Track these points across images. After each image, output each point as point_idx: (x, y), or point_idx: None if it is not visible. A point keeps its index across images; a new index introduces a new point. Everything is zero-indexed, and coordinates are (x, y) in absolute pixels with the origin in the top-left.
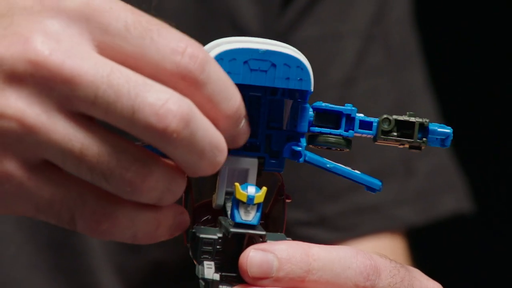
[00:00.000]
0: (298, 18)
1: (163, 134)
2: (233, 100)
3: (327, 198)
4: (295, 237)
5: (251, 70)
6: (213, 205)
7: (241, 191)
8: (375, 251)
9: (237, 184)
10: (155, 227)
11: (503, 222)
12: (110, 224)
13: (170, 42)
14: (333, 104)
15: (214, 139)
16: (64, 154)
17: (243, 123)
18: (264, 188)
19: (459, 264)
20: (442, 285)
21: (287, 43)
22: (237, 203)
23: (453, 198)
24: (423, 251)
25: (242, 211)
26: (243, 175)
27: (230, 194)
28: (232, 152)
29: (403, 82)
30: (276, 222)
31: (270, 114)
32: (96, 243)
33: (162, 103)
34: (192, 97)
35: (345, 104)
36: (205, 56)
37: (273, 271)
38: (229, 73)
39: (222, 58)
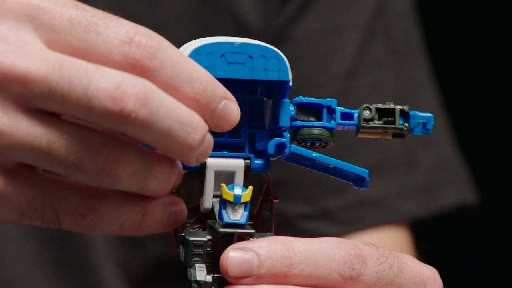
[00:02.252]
0: (299, 12)
1: (121, 116)
2: (198, 82)
3: (329, 191)
4: (298, 231)
5: (229, 63)
6: (201, 209)
7: (228, 191)
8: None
9: (223, 184)
10: (141, 217)
11: (507, 215)
12: (95, 217)
13: (117, 34)
14: (335, 97)
15: (182, 116)
16: (34, 153)
17: (223, 104)
18: (251, 187)
19: (463, 256)
20: (447, 277)
21: (288, 38)
22: (224, 204)
23: (456, 190)
24: (428, 244)
25: (229, 211)
26: (230, 178)
27: (218, 197)
28: (216, 154)
29: (405, 76)
30: (264, 222)
31: (252, 114)
32: (99, 239)
33: (115, 86)
34: (152, 80)
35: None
36: (155, 43)
37: (254, 269)
38: (207, 67)
39: (199, 53)
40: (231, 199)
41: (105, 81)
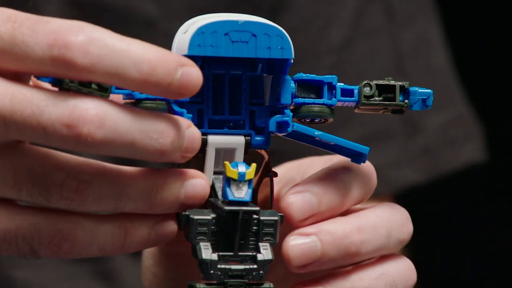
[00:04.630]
0: None
1: (79, 141)
2: (145, 63)
3: None
4: None
5: (233, 41)
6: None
7: (232, 168)
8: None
9: (226, 162)
10: (122, 238)
11: None
12: (71, 245)
13: (44, 37)
14: (332, 67)
15: (145, 126)
16: (1, 187)
17: (179, 73)
18: (254, 164)
19: (471, 216)
20: (456, 239)
21: (285, 7)
22: (228, 181)
23: (469, 149)
24: (436, 207)
25: (234, 189)
26: (230, 155)
27: (218, 175)
28: (217, 131)
29: (404, 41)
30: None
31: (252, 91)
32: None
33: (68, 112)
34: (93, 79)
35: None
36: (85, 37)
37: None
38: (211, 46)
39: (203, 32)
40: (235, 177)
41: (56, 109)
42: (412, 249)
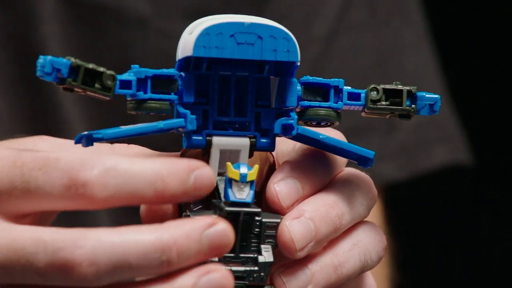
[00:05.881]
0: None
1: (76, 280)
2: (159, 181)
3: None
4: None
5: (238, 43)
6: None
7: (234, 169)
8: None
9: (228, 163)
10: None
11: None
12: None
13: (59, 180)
14: (315, 59)
15: (140, 250)
16: None
17: (192, 179)
18: (256, 166)
19: (456, 216)
20: (436, 240)
21: None
22: (230, 182)
23: (446, 149)
24: (418, 204)
25: (235, 190)
26: (235, 156)
27: (222, 176)
28: (222, 132)
29: (388, 37)
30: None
31: (258, 92)
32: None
33: (58, 258)
34: (112, 206)
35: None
36: (99, 171)
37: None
38: (216, 48)
39: (209, 33)
40: (237, 178)
41: (47, 256)
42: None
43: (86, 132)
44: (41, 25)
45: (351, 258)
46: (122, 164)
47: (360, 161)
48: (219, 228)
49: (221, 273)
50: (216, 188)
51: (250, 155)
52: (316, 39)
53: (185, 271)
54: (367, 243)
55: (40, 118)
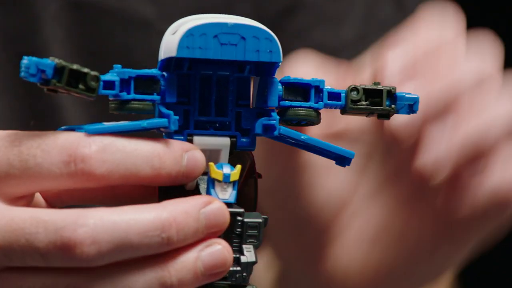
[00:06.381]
0: None
1: (77, 260)
2: (156, 159)
3: None
4: None
5: (221, 44)
6: (186, 186)
7: (217, 170)
8: None
9: (211, 163)
10: None
11: None
12: None
13: (58, 156)
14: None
15: (142, 229)
16: None
17: (185, 160)
18: (239, 166)
19: None
20: None
21: (295, 6)
22: (212, 183)
23: None
24: None
25: (218, 190)
26: (215, 155)
27: (203, 175)
28: (203, 132)
29: None
30: (247, 200)
31: (239, 92)
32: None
33: (59, 237)
34: (110, 184)
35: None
36: (99, 146)
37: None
38: (200, 48)
39: (192, 34)
40: (220, 178)
41: (48, 235)
42: None
43: (67, 126)
44: (44, 27)
45: None
46: (119, 141)
47: (338, 161)
48: (214, 207)
49: (222, 245)
50: (197, 188)
51: (230, 154)
52: (348, 43)
53: (186, 249)
54: None
55: (40, 120)
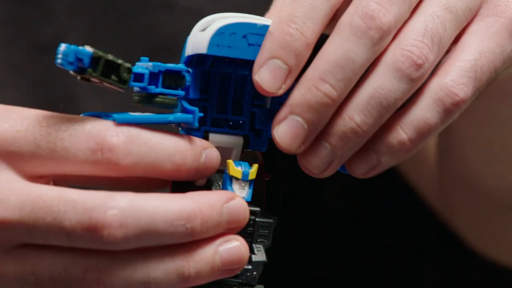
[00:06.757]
0: None
1: (103, 242)
2: (178, 154)
3: None
4: None
5: (249, 44)
6: (197, 182)
7: (236, 167)
8: None
9: (230, 161)
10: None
11: None
12: None
13: (85, 143)
14: None
15: (168, 212)
16: (22, 285)
17: (204, 157)
18: (256, 165)
19: None
20: None
21: None
22: (230, 180)
23: None
24: None
25: (236, 187)
26: (227, 154)
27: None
28: (217, 129)
29: None
30: (256, 200)
31: (255, 92)
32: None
33: (87, 217)
34: (132, 175)
35: None
36: (126, 137)
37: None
38: (229, 47)
39: (223, 32)
40: (239, 176)
41: (76, 214)
42: None
43: (92, 112)
44: (59, 17)
45: None
46: (145, 134)
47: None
48: (237, 203)
49: (240, 241)
50: (208, 184)
51: (241, 153)
52: None
53: (205, 242)
54: None
55: (52, 111)
